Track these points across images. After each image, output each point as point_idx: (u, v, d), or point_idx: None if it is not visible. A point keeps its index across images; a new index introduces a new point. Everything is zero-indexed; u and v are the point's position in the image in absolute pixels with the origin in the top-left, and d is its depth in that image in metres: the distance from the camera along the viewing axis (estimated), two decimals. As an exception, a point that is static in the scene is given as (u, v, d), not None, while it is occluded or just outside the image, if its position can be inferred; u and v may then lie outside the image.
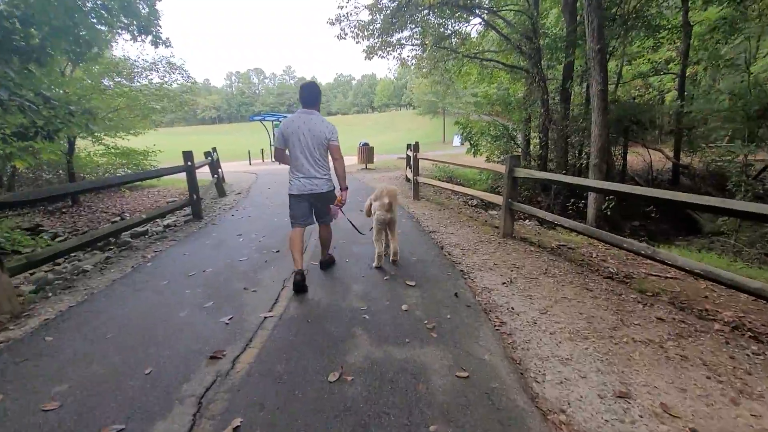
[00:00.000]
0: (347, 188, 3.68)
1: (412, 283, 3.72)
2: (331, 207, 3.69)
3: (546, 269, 4.15)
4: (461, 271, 4.18)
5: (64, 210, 9.50)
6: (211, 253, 5.00)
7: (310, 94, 3.43)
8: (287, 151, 3.51)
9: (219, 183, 10.48)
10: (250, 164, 20.44)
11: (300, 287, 3.42)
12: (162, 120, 15.67)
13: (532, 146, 11.38)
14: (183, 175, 7.08)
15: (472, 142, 11.30)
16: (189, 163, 7.09)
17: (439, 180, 10.23)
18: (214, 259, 4.70)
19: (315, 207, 3.65)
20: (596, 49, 7.60)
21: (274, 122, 22.02)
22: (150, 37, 6.31)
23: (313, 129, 3.33)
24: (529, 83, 10.83)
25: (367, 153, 15.33)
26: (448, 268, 4.24)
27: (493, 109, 11.66)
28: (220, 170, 10.93)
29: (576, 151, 10.11)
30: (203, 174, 8.80)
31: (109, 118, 10.95)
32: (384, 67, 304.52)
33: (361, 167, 15.66)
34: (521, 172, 5.37)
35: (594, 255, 4.71)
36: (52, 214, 9.10)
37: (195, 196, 7.26)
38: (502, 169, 5.68)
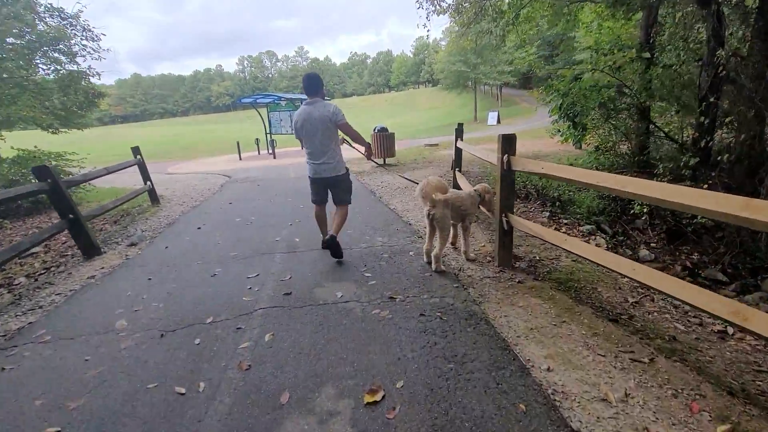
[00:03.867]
0: (368, 144, 3.80)
1: None
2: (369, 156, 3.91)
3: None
4: None
5: None
6: None
7: (311, 84, 3.52)
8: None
9: (152, 192, 6.54)
10: (240, 159, 16.43)
11: (330, 245, 3.62)
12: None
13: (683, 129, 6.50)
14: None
15: (576, 121, 6.39)
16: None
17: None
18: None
19: (332, 189, 3.76)
20: None
21: (271, 105, 17.88)
22: None
23: (318, 116, 3.41)
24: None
25: (385, 142, 10.83)
26: None
27: (606, 62, 6.50)
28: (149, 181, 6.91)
29: None
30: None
31: None
32: (409, 38, 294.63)
33: (377, 163, 11.29)
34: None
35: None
36: None
37: (72, 216, 3.32)
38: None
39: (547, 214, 5.24)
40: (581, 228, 5.19)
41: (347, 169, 3.76)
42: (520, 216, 3.34)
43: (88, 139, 22.80)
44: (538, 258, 3.63)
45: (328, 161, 3.54)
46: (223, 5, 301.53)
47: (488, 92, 39.80)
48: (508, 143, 3.08)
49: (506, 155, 3.08)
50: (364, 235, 4.49)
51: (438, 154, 12.83)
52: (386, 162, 10.90)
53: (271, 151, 16.13)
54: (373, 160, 4.24)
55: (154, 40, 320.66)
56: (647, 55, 5.91)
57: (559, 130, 6.10)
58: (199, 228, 5.23)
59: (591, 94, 5.65)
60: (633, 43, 7.82)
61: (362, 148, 3.84)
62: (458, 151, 6.05)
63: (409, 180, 6.11)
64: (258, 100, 17.58)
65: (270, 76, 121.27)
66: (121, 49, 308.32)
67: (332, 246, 3.60)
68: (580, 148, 6.46)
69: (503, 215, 3.23)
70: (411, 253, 3.85)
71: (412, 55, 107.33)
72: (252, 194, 7.36)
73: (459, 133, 6.15)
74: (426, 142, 17.54)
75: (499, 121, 26.33)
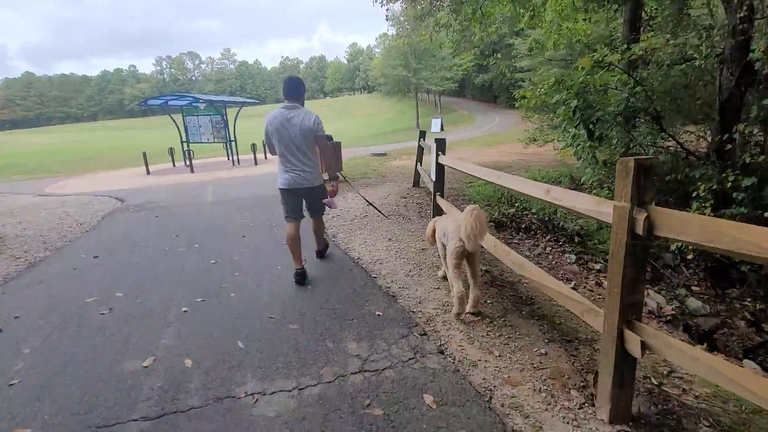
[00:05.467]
0: (338, 178, 3.63)
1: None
2: (326, 201, 3.55)
3: None
4: None
5: None
6: None
7: (292, 88, 3.34)
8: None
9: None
10: (147, 173, 13.39)
11: (300, 280, 3.32)
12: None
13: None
14: None
15: (592, 129, 4.41)
16: None
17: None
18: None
19: (307, 201, 3.55)
20: None
21: (187, 108, 14.98)
22: None
23: (297, 123, 3.22)
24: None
25: (332, 154, 8.96)
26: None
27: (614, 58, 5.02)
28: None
29: None
30: None
31: None
32: (340, 48, 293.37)
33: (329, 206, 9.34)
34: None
35: None
36: None
37: None
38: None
39: (573, 259, 3.78)
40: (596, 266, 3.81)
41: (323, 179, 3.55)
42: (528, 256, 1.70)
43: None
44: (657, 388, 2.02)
45: (307, 170, 3.36)
46: (136, 1, 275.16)
47: (425, 99, 39.54)
48: (643, 188, 1.43)
49: (643, 212, 1.43)
50: (317, 335, 2.52)
51: (390, 166, 11.21)
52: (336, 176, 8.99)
53: (188, 164, 13.32)
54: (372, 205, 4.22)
55: (52, 37, 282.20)
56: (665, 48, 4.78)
57: (568, 141, 4.75)
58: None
59: (605, 98, 4.35)
60: (610, 40, 6.85)
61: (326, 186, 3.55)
62: (440, 170, 4.43)
63: (372, 205, 4.50)
64: (170, 102, 14.57)
65: (193, 78, 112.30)
66: (10, 45, 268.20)
67: (303, 279, 3.33)
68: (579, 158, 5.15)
69: (625, 324, 1.58)
70: (427, 396, 1.92)
71: (346, 62, 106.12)
72: (141, 235, 4.99)
73: (441, 145, 4.49)
74: (371, 150, 15.88)
75: (442, 128, 25.68)
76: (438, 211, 4.48)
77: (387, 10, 10.38)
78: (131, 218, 6.12)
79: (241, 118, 15.44)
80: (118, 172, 15.35)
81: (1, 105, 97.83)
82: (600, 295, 3.25)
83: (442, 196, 4.63)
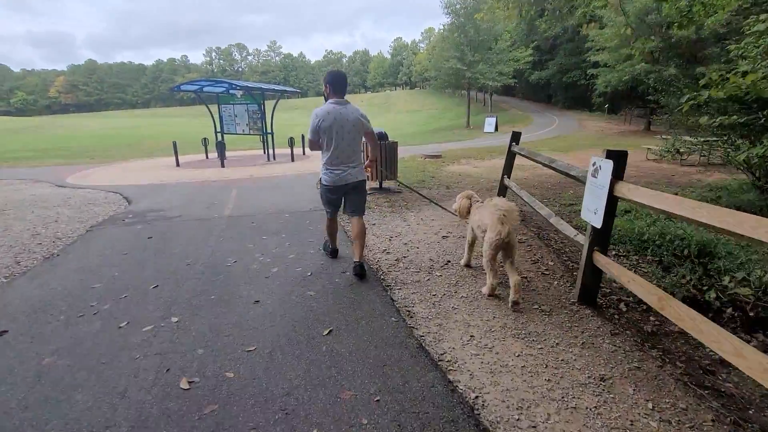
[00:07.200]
0: (377, 160, 3.79)
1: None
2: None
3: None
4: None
5: None
6: None
7: (340, 83, 3.20)
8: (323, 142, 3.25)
9: None
10: (177, 165, 12.17)
11: (360, 272, 3.21)
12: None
13: None
14: None
15: None
16: None
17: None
18: None
19: (351, 197, 3.40)
20: None
21: (222, 96, 13.69)
22: None
23: (351, 120, 3.15)
24: None
25: (385, 156, 6.79)
26: None
27: None
28: None
29: None
30: None
31: None
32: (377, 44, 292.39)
33: (371, 188, 7.35)
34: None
35: None
36: None
37: None
38: None
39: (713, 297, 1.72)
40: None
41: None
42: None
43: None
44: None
45: (355, 166, 3.29)
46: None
47: (473, 98, 36.81)
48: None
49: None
50: None
51: (449, 172, 9.23)
52: (383, 186, 7.16)
53: (220, 157, 11.96)
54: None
55: (115, 27, 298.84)
56: None
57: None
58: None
59: None
60: None
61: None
62: (611, 205, 2.45)
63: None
64: (206, 89, 13.29)
65: (240, 69, 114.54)
66: (78, 35, 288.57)
67: (361, 273, 3.21)
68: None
69: None
70: None
71: (389, 56, 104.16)
72: (94, 291, 3.12)
73: (618, 166, 2.49)
74: (422, 151, 13.88)
75: (496, 129, 23.20)
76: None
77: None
78: (115, 240, 4.49)
79: (280, 110, 13.99)
80: (151, 161, 14.36)
81: (66, 89, 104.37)
82: None
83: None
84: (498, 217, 2.72)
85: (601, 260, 2.60)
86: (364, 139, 3.40)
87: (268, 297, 2.90)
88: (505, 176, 5.60)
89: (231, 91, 13.46)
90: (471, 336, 2.37)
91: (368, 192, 6.72)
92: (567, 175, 3.26)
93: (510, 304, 2.71)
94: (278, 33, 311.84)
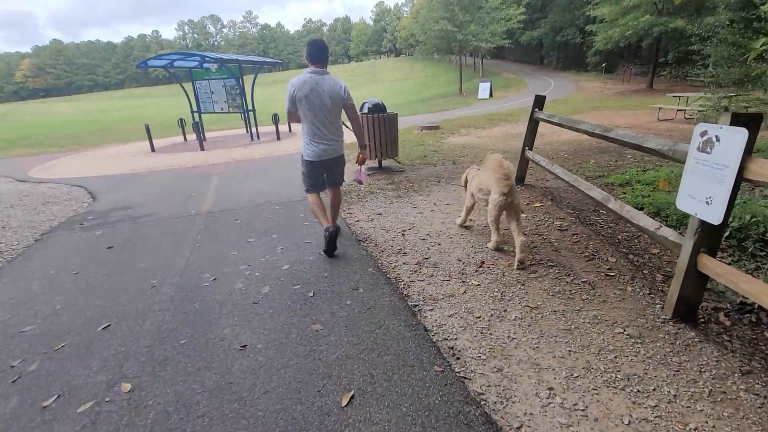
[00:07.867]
0: (366, 146, 3.35)
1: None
2: (355, 177, 3.52)
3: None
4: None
5: None
6: None
7: (320, 51, 3.01)
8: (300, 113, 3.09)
9: None
10: (152, 150, 11.07)
11: (333, 239, 3.10)
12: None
13: None
14: None
15: None
16: None
17: None
18: None
19: (330, 171, 3.32)
20: None
21: (196, 71, 12.41)
22: None
23: (328, 90, 2.99)
24: None
25: (383, 131, 5.95)
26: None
27: None
28: None
29: None
30: None
31: None
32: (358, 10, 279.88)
33: (369, 172, 6.46)
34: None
35: None
36: None
37: None
38: None
39: None
40: None
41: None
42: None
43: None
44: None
45: (335, 139, 3.17)
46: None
47: (462, 62, 35.19)
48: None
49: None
50: None
51: (451, 144, 8.40)
52: (382, 165, 6.33)
53: (199, 138, 10.89)
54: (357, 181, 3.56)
55: (78, 3, 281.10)
56: None
57: None
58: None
59: None
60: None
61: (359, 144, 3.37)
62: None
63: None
64: (176, 63, 11.97)
65: (215, 44, 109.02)
66: (40, 14, 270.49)
67: (334, 239, 3.11)
68: None
69: None
70: None
71: (372, 23, 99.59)
72: (48, 314, 2.48)
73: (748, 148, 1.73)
74: (418, 122, 12.88)
75: (491, 94, 22.05)
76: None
77: None
78: (67, 252, 3.66)
79: (260, 85, 12.79)
80: (124, 147, 13.16)
81: (33, 73, 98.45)
82: None
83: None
84: (499, 178, 2.82)
85: (712, 266, 1.90)
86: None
87: (258, 338, 2.15)
88: (527, 149, 4.83)
89: (205, 65, 12.17)
90: (549, 389, 1.68)
91: (368, 173, 5.93)
92: (639, 148, 2.50)
93: (515, 264, 2.74)
94: (253, 3, 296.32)
